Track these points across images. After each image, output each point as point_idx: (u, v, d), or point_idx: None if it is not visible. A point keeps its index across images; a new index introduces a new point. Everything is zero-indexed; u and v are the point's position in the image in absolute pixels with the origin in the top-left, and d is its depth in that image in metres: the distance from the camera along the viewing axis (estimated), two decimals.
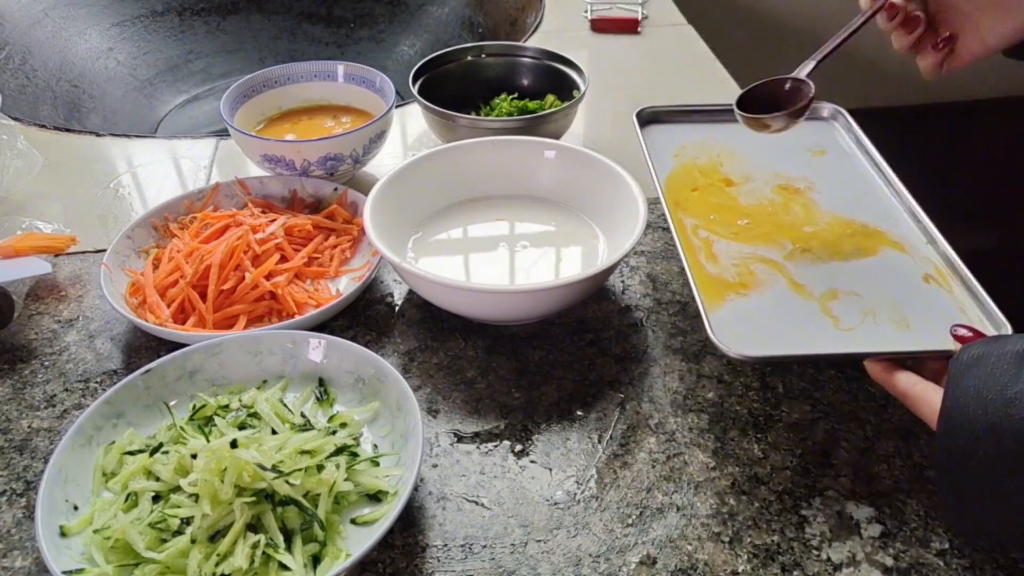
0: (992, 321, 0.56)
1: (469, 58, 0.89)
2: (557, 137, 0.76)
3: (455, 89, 0.88)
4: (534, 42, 0.89)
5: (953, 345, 0.52)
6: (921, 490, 0.53)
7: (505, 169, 0.75)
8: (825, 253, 0.65)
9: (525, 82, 0.91)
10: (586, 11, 1.19)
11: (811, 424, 0.58)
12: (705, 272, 0.63)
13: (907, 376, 0.51)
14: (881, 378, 0.52)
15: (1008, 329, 0.55)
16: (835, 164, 0.74)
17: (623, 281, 0.72)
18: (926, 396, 0.49)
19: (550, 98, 0.86)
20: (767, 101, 0.62)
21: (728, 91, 1.02)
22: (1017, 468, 0.42)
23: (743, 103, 0.62)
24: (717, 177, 0.73)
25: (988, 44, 0.61)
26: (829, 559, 0.49)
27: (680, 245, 0.63)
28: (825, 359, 0.57)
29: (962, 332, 0.53)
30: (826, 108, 0.79)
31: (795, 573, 0.49)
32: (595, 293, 0.68)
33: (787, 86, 0.63)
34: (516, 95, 0.90)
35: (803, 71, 0.62)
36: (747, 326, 0.57)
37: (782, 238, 0.66)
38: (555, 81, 0.88)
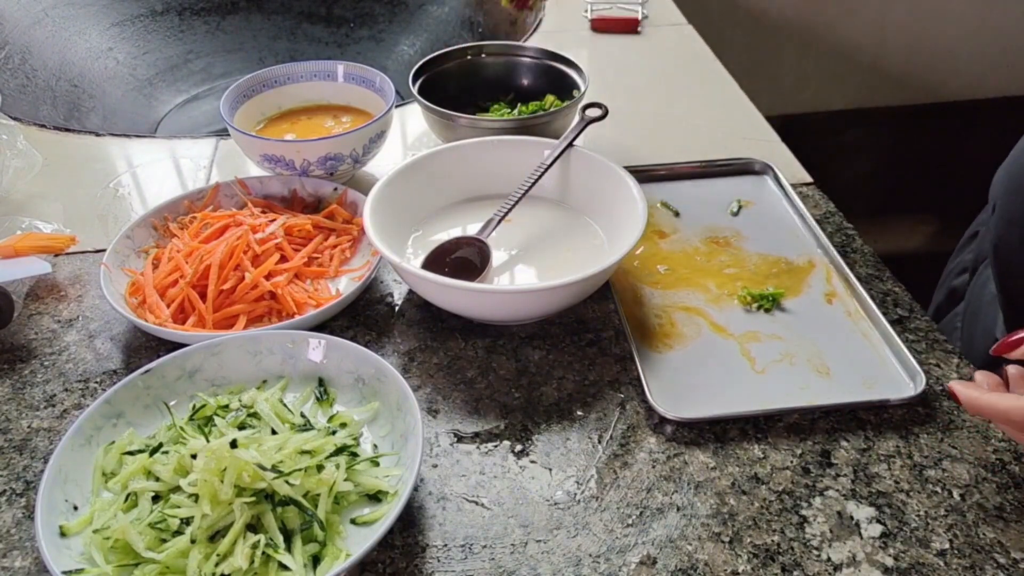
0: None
1: (469, 58, 0.89)
2: (557, 137, 0.76)
3: (455, 89, 0.88)
4: (534, 42, 0.89)
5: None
6: (921, 490, 0.53)
7: (505, 169, 0.75)
8: (749, 294, 0.69)
9: (525, 82, 0.91)
10: (586, 11, 1.19)
11: (811, 424, 0.58)
12: (636, 320, 0.67)
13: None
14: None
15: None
16: (761, 212, 0.79)
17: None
18: None
19: (550, 98, 0.86)
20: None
21: (728, 91, 1.02)
22: None
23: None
24: (650, 229, 0.76)
25: None
26: (829, 559, 0.49)
27: (616, 296, 0.68)
28: (746, 417, 0.58)
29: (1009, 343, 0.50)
30: (757, 163, 0.84)
31: (795, 573, 0.49)
32: (595, 293, 0.68)
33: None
34: (513, 95, 0.90)
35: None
36: (678, 382, 0.61)
37: (706, 281, 0.70)
38: (555, 81, 0.88)
